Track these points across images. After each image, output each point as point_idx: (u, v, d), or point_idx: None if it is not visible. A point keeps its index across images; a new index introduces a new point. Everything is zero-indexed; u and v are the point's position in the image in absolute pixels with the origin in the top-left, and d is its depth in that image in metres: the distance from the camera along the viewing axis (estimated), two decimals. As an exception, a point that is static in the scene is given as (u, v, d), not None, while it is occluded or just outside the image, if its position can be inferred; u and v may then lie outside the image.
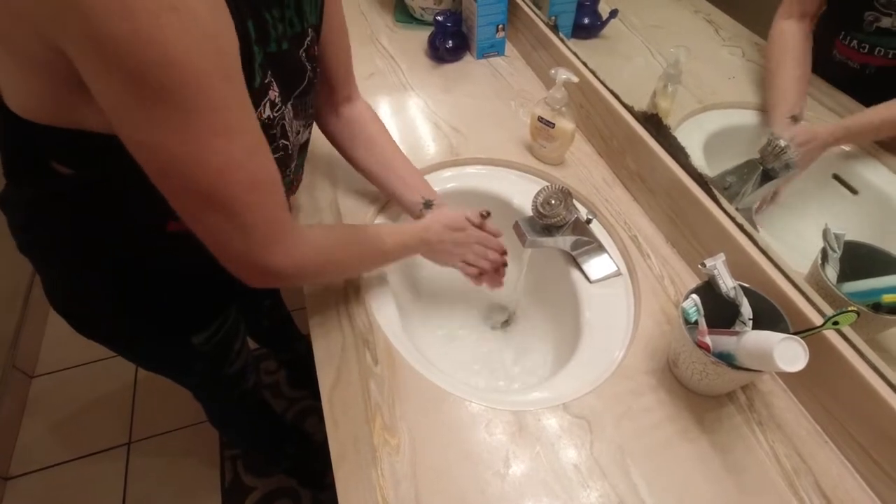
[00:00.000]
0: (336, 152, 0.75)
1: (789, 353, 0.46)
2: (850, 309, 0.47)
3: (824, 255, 0.58)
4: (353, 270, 0.68)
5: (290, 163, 0.59)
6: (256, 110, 0.47)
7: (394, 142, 0.75)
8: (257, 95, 0.46)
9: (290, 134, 0.56)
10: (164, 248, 0.56)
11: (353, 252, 0.60)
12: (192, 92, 0.36)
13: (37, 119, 0.44)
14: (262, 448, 1.17)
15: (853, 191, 0.66)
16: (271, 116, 0.50)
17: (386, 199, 0.81)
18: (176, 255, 0.52)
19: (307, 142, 0.66)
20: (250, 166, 0.43)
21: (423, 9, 1.17)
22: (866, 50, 0.62)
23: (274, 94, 0.50)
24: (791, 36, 0.69)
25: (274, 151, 0.53)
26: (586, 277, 0.72)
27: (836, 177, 0.68)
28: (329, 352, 0.63)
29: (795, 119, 0.66)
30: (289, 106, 0.54)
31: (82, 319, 0.66)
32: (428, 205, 0.71)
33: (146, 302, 0.64)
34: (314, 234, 0.54)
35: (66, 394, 1.46)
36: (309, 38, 0.56)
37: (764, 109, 0.75)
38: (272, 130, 0.51)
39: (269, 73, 0.49)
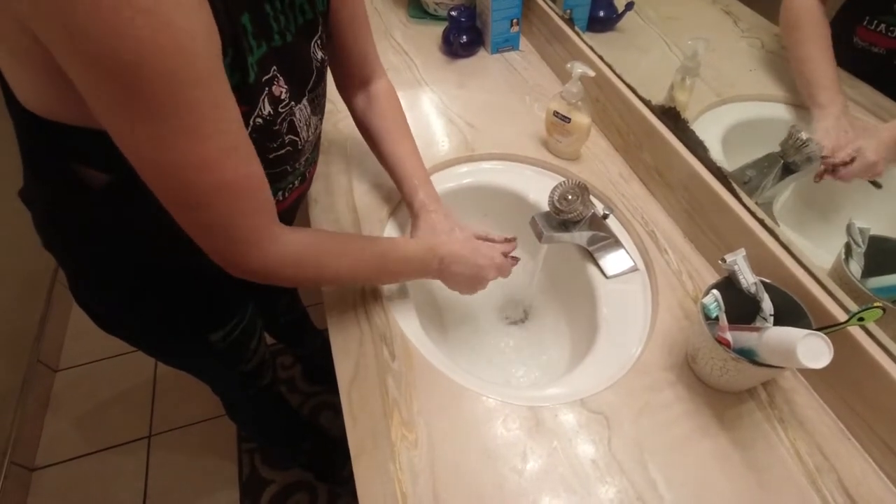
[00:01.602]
0: (352, 145, 0.75)
1: (813, 350, 0.45)
2: (875, 305, 0.46)
3: (848, 250, 0.57)
4: (347, 282, 0.67)
5: (300, 157, 0.58)
6: (255, 108, 0.46)
7: (404, 131, 0.72)
8: (252, 92, 0.45)
9: (300, 129, 0.55)
10: (178, 249, 0.56)
11: (341, 263, 0.57)
12: (157, 93, 0.36)
13: (43, 114, 0.43)
14: (278, 442, 1.19)
15: (877, 185, 0.65)
16: (272, 112, 0.48)
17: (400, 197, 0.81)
18: (191, 255, 0.52)
19: (320, 134, 0.65)
20: (221, 169, 0.42)
21: (437, 4, 1.16)
22: (895, 34, 0.61)
23: (280, 89, 0.48)
24: (808, 9, 0.67)
25: (279, 148, 0.52)
26: (603, 273, 0.72)
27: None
28: (347, 348, 0.63)
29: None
30: (304, 102, 0.53)
31: (101, 315, 0.67)
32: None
33: (162, 300, 0.65)
34: (295, 240, 0.51)
35: (88, 388, 1.49)
36: (321, 26, 0.55)
37: (786, 102, 0.74)
38: (274, 126, 0.50)
39: (274, 68, 0.47)
